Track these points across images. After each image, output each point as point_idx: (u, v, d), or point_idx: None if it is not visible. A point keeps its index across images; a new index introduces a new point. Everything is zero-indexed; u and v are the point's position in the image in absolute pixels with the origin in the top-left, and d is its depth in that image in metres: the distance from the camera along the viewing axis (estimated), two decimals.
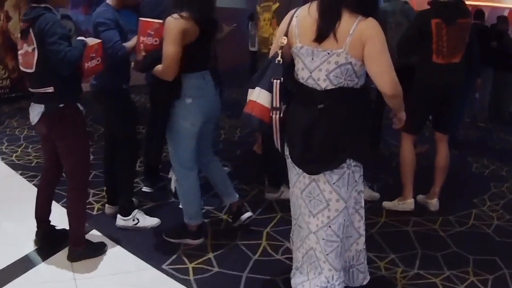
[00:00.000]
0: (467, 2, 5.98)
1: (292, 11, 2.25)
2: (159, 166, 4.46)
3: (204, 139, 3.22)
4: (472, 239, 3.57)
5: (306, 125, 2.17)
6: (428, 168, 4.31)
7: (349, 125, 2.17)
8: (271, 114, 2.20)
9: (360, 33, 2.03)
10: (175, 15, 2.78)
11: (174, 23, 2.77)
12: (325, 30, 2.07)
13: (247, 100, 2.27)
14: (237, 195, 3.54)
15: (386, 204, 4.01)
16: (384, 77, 2.07)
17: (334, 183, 2.21)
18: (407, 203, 3.99)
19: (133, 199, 3.74)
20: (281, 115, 2.20)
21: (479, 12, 7.18)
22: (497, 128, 7.29)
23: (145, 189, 4.26)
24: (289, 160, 2.35)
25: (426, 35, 3.54)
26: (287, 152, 2.34)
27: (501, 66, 7.32)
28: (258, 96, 2.20)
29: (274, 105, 2.19)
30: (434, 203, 4.01)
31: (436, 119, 3.88)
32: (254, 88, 2.25)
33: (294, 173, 2.34)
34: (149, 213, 3.70)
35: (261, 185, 4.30)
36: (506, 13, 10.81)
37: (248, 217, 3.49)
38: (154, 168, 4.30)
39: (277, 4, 3.68)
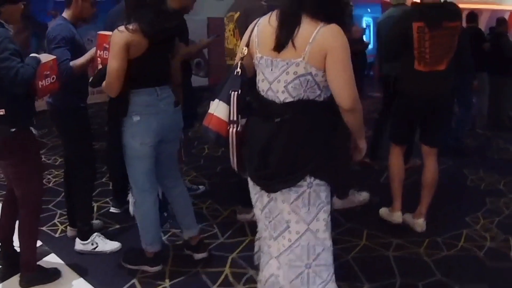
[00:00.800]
0: (465, 5, 5.77)
1: (256, 21, 2.15)
2: (127, 186, 4.18)
3: (165, 160, 3.01)
4: (460, 265, 3.23)
5: (264, 140, 2.05)
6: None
7: (310, 140, 2.02)
8: (228, 128, 2.08)
9: (321, 42, 1.90)
10: (121, 28, 2.62)
11: (118, 37, 2.60)
12: (283, 39, 1.96)
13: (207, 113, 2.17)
14: (198, 228, 3.28)
15: (381, 210, 3.85)
16: (344, 91, 1.93)
17: (292, 203, 2.06)
18: (395, 216, 3.73)
19: (98, 220, 3.66)
20: (239, 128, 2.08)
21: (472, 14, 6.85)
22: (496, 136, 6.92)
23: (112, 209, 4.06)
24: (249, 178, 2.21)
25: (407, 40, 3.26)
26: (254, 190, 2.22)
27: (497, 70, 7.01)
28: (216, 108, 2.11)
29: (231, 118, 2.08)
30: (420, 224, 3.68)
31: (422, 131, 3.59)
32: (213, 100, 2.15)
33: (254, 192, 2.22)
34: (114, 235, 3.54)
35: (235, 205, 4.00)
36: (506, 16, 10.55)
37: (202, 258, 3.22)
38: (121, 188, 4.01)
39: (238, 14, 3.46)
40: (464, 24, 5.75)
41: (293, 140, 2.01)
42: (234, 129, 2.08)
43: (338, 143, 2.17)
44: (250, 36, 2.13)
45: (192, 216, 3.21)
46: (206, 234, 3.60)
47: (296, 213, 2.07)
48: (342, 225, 3.81)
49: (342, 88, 1.93)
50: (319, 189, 2.07)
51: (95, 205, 4.08)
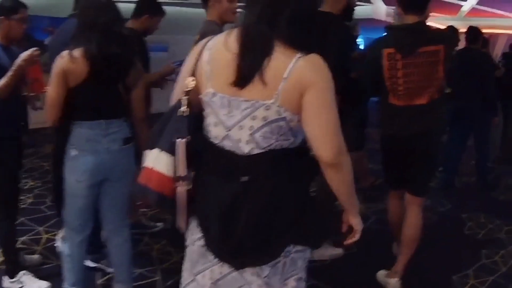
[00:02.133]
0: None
1: (203, 41, 1.65)
2: None
3: (109, 202, 2.70)
4: None
5: (226, 204, 1.57)
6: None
7: (287, 201, 1.58)
8: (174, 186, 1.59)
9: (299, 77, 1.46)
10: (65, 52, 2.37)
11: (57, 62, 2.38)
12: (248, 71, 1.48)
13: (142, 166, 1.66)
14: (131, 285, 2.87)
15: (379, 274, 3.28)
16: (326, 142, 1.48)
17: (265, 276, 1.63)
18: (390, 284, 3.17)
19: (38, 255, 3.46)
20: (189, 186, 1.60)
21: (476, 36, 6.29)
22: (507, 171, 6.32)
23: (57, 244, 3.65)
24: (198, 244, 1.71)
25: (378, 70, 2.77)
26: (196, 235, 1.71)
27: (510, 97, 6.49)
28: (156, 161, 1.59)
29: (178, 173, 1.58)
30: (393, 284, 3.13)
31: (404, 176, 3.03)
32: (151, 149, 1.62)
33: (202, 262, 1.71)
34: (49, 273, 3.23)
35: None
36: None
37: None
38: None
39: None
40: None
41: (266, 204, 1.56)
42: (184, 188, 1.60)
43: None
44: (196, 63, 1.63)
45: (128, 272, 2.84)
46: (144, 282, 3.20)
47: (269, 284, 1.65)
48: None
49: (324, 137, 1.49)
50: (298, 255, 1.67)
51: (44, 236, 3.82)
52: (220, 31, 2.80)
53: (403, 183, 3.02)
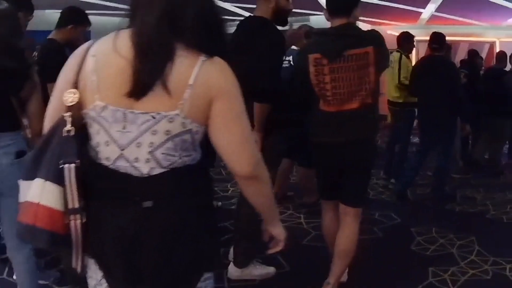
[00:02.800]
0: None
1: (85, 45, 1.40)
2: None
3: (6, 217, 2.53)
4: None
5: (127, 236, 1.35)
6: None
7: (195, 225, 1.40)
8: (67, 221, 1.33)
9: (206, 83, 1.30)
10: None
11: None
12: (148, 78, 1.27)
13: (21, 202, 1.38)
14: None
15: None
16: (241, 153, 1.37)
17: None
18: None
19: None
20: (83, 219, 1.34)
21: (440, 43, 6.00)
22: (466, 182, 5.95)
23: None
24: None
25: (306, 76, 2.62)
26: (96, 278, 1.46)
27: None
28: (42, 193, 1.31)
29: (70, 205, 1.32)
30: None
31: (337, 186, 2.82)
32: (31, 179, 1.34)
33: None
34: None
35: None
36: (486, 48, 9.76)
37: None
38: None
39: None
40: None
41: (173, 233, 1.36)
42: (78, 221, 1.33)
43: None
44: (79, 72, 1.35)
45: None
46: None
47: None
48: None
49: (239, 150, 1.36)
50: (208, 283, 1.49)
51: None
52: None
53: (336, 193, 2.82)
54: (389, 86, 5.73)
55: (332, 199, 2.87)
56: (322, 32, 2.74)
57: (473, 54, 6.87)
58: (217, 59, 1.33)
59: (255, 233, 2.86)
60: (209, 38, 1.33)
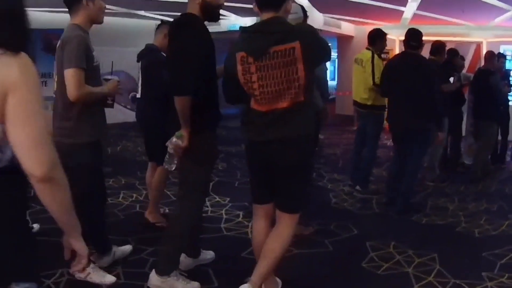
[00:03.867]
0: (428, 38, 4.90)
1: None
2: None
3: None
4: None
5: None
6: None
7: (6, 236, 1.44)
8: None
9: (2, 77, 1.28)
10: None
11: None
12: None
13: None
14: None
15: None
16: (34, 152, 1.31)
17: None
18: None
19: None
20: None
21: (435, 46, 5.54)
22: (439, 191, 5.36)
23: None
24: None
25: (235, 75, 2.49)
26: None
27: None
28: None
29: None
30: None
31: (270, 189, 2.63)
32: None
33: None
34: None
35: None
36: (472, 49, 9.23)
37: None
38: None
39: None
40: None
41: None
42: None
43: None
44: None
45: None
46: None
47: None
48: None
49: (32, 147, 1.31)
50: None
51: None
52: (86, 37, 2.76)
53: (268, 197, 2.64)
54: (357, 87, 5.15)
55: (263, 203, 2.66)
56: (248, 29, 2.52)
57: (452, 53, 6.29)
58: (15, 53, 1.30)
59: (179, 240, 2.82)
60: (10, 31, 1.31)
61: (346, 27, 10.88)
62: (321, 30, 10.39)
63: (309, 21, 10.37)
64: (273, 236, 2.57)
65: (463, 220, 4.40)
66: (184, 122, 2.62)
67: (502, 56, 6.70)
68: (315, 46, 2.40)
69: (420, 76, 4.27)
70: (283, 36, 2.34)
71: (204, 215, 3.45)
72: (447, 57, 6.34)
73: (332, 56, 10.85)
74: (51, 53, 8.75)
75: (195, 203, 2.83)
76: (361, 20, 10.25)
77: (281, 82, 2.36)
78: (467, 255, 3.58)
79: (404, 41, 4.53)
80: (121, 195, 4.91)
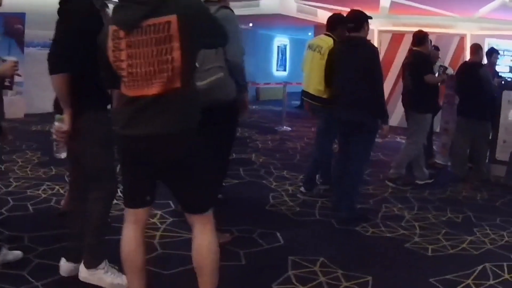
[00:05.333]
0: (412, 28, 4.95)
1: None
2: None
3: None
4: None
5: None
6: None
7: None
8: None
9: None
10: None
11: None
12: None
13: None
14: None
15: None
16: None
17: None
18: None
19: None
20: None
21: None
22: (400, 195, 4.55)
23: None
24: None
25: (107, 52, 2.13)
26: None
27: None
28: None
29: None
30: None
31: (143, 190, 2.27)
32: None
33: None
34: None
35: None
36: (455, 42, 8.47)
37: None
38: None
39: None
40: None
41: None
42: None
43: None
44: None
45: None
46: None
47: None
48: None
49: None
50: None
51: None
52: None
53: (141, 200, 2.25)
54: (312, 77, 4.30)
55: (135, 206, 2.25)
56: None
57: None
58: None
59: (99, 231, 2.61)
60: None
61: (323, 15, 10.11)
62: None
63: (280, 7, 9.76)
64: (198, 248, 2.21)
65: (418, 233, 3.60)
66: (64, 103, 2.43)
67: (495, 51, 5.93)
68: (199, 23, 2.03)
69: (358, 62, 3.62)
70: (155, 7, 1.98)
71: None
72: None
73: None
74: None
75: (105, 191, 2.59)
76: (338, 8, 9.50)
77: (151, 63, 2.01)
78: (410, 281, 2.79)
79: (345, 24, 3.86)
80: (43, 187, 4.29)
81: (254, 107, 12.07)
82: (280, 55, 15.87)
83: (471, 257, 3.17)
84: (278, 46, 15.67)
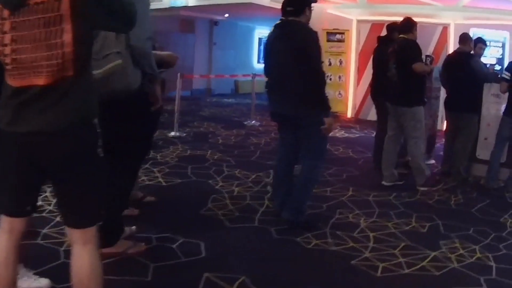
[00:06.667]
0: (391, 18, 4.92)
1: None
2: None
3: None
4: None
5: None
6: None
7: None
8: None
9: None
10: None
11: None
12: None
13: None
14: None
15: None
16: None
17: None
18: None
19: None
20: None
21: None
22: (358, 200, 3.94)
23: None
24: None
25: None
26: None
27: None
28: None
29: None
30: None
31: (24, 195, 1.94)
32: None
33: None
34: None
35: None
36: (438, 32, 7.87)
37: None
38: None
39: None
40: None
41: None
42: None
43: None
44: None
45: None
46: None
47: None
48: None
49: None
50: None
51: None
52: None
53: (17, 207, 1.93)
54: None
55: (12, 215, 1.93)
56: None
57: (391, 28, 5.00)
58: None
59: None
60: None
61: None
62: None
63: None
64: (76, 266, 1.91)
65: (370, 246, 2.98)
66: None
67: (481, 42, 5.27)
68: (96, 2, 1.76)
69: (292, 49, 3.13)
70: None
71: None
72: (387, 33, 5.14)
73: None
74: None
75: None
76: None
77: (39, 48, 1.77)
78: None
79: (281, 7, 3.33)
80: None
81: (230, 100, 11.49)
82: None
83: (430, 279, 2.56)
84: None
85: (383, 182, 4.38)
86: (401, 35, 4.46)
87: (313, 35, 3.21)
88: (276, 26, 3.36)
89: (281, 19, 3.30)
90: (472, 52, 4.84)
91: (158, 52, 2.95)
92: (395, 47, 4.42)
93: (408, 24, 4.48)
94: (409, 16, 4.71)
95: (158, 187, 4.07)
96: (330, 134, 3.31)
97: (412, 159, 4.43)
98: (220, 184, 4.24)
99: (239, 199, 3.84)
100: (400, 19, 4.73)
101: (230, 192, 4.00)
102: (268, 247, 2.93)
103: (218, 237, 3.04)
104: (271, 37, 3.38)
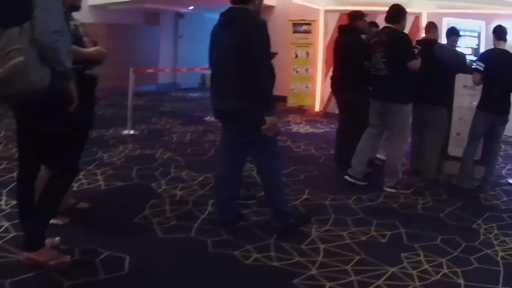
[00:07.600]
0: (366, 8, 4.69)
1: None
2: None
3: None
4: None
5: None
6: None
7: None
8: None
9: None
10: None
11: None
12: None
13: None
14: None
15: None
16: None
17: None
18: None
19: None
20: None
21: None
22: (315, 204, 3.48)
23: None
24: None
25: None
26: None
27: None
28: None
29: None
30: None
31: None
32: None
33: None
34: None
35: None
36: (411, 20, 7.47)
37: None
38: None
39: None
40: None
41: None
42: None
43: None
44: None
45: None
46: None
47: None
48: None
49: None
50: None
51: None
52: None
53: None
54: None
55: None
56: None
57: (354, 16, 4.54)
58: None
59: None
60: None
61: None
62: None
63: None
64: None
65: (319, 261, 2.52)
66: None
67: (454, 34, 4.78)
68: None
69: (233, 38, 2.80)
70: None
71: None
72: (349, 21, 4.65)
73: None
74: None
75: None
76: None
77: None
78: None
79: None
80: None
81: (196, 94, 10.95)
82: None
83: None
84: None
85: (347, 177, 3.92)
86: (389, 25, 3.92)
87: (259, 22, 2.77)
88: (221, 14, 2.92)
89: (229, 7, 2.86)
90: (437, 40, 4.43)
91: (81, 49, 2.65)
92: (383, 39, 3.92)
93: (397, 13, 3.96)
94: (380, 4, 4.24)
95: (96, 192, 3.58)
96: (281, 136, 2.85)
97: (391, 159, 3.96)
98: (163, 187, 3.75)
99: (180, 204, 3.37)
100: (369, 9, 4.25)
101: (172, 197, 3.52)
102: (200, 262, 2.49)
103: (146, 250, 2.60)
104: (215, 26, 2.95)
